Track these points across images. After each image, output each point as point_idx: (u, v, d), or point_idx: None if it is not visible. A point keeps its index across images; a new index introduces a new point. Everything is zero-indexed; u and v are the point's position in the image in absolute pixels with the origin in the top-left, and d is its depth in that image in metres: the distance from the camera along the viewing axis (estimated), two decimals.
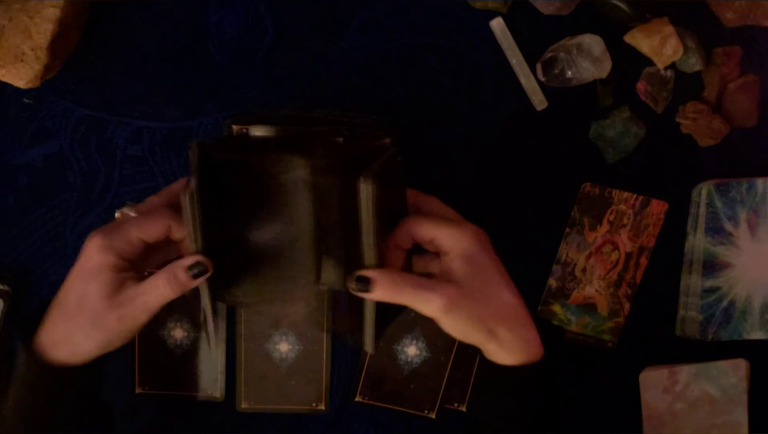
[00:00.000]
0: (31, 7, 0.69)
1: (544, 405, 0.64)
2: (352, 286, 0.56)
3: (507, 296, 0.61)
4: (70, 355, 0.58)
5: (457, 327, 0.59)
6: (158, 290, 0.57)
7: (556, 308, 0.78)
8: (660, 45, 0.73)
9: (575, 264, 0.77)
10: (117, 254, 0.57)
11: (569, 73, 0.74)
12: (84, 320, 0.57)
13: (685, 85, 0.76)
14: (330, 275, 0.60)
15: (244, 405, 0.77)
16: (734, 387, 0.76)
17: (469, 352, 0.78)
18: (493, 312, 0.60)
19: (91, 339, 0.58)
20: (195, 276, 0.56)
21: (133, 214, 0.62)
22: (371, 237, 0.56)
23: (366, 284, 0.56)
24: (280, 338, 0.77)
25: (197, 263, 0.56)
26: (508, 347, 0.61)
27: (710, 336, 0.76)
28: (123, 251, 0.58)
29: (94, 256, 0.57)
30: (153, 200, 0.65)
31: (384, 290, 0.56)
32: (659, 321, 0.78)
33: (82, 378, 0.59)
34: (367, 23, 0.76)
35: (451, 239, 0.61)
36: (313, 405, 0.78)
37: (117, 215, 0.64)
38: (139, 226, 0.59)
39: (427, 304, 0.57)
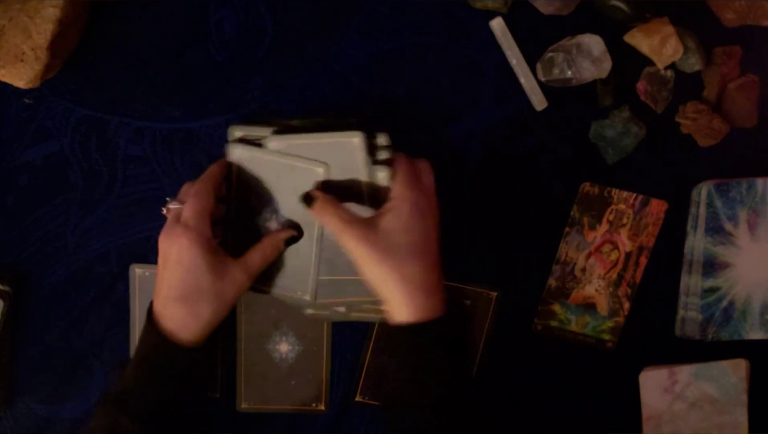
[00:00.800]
0: (31, 7, 0.69)
1: (447, 366, 0.65)
2: (300, 199, 0.68)
3: (413, 260, 0.65)
4: (197, 332, 0.65)
5: (359, 262, 0.66)
6: (264, 256, 0.69)
7: (556, 307, 0.78)
8: (660, 45, 0.73)
9: (575, 264, 0.77)
10: (203, 238, 0.66)
11: (569, 73, 0.74)
12: (207, 299, 0.66)
13: (685, 85, 0.76)
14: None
15: (244, 405, 0.77)
16: (734, 387, 0.76)
17: (469, 351, 0.78)
18: (394, 264, 0.65)
19: (214, 311, 0.66)
20: (288, 244, 0.70)
21: (177, 205, 0.69)
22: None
23: (309, 200, 0.68)
24: (280, 338, 0.77)
25: (294, 236, 0.71)
26: (396, 302, 0.65)
27: (710, 336, 0.76)
28: (205, 232, 0.66)
29: (190, 247, 0.65)
30: (188, 188, 0.70)
31: (317, 209, 0.67)
32: (659, 321, 0.78)
33: (202, 357, 0.67)
34: (367, 23, 0.76)
35: (396, 191, 0.67)
36: (313, 405, 0.78)
37: (165, 211, 0.69)
38: (204, 207, 0.67)
39: (341, 239, 0.66)
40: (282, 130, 0.70)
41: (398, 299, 0.65)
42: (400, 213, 0.66)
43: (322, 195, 0.68)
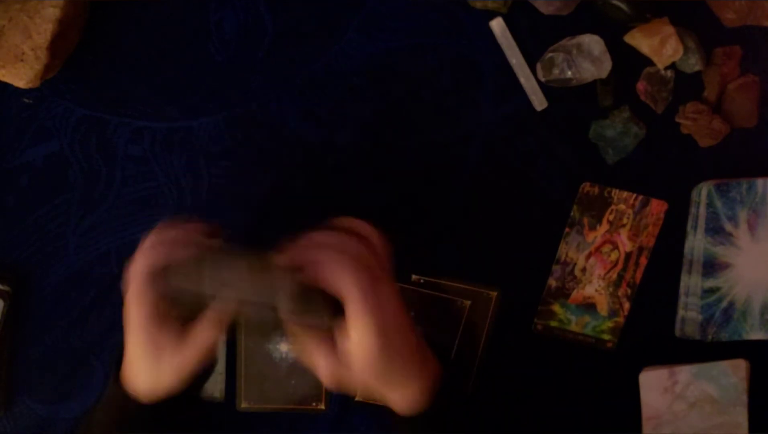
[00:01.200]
0: (31, 7, 0.69)
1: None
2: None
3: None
4: (147, 389, 0.62)
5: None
6: (206, 334, 0.61)
7: (556, 308, 0.78)
8: (660, 45, 0.73)
9: (575, 264, 0.77)
10: (149, 304, 0.60)
11: (569, 73, 0.74)
12: (145, 363, 0.61)
13: (685, 85, 0.76)
14: None
15: (244, 405, 0.77)
16: (734, 387, 0.76)
17: (469, 351, 0.78)
18: (382, 383, 0.62)
19: (146, 380, 0.62)
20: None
21: None
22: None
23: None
24: (281, 338, 0.77)
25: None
26: (395, 402, 0.63)
27: (710, 337, 0.76)
28: (148, 294, 0.60)
29: (129, 308, 0.61)
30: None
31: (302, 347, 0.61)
32: (659, 321, 0.78)
33: (158, 414, 0.63)
34: (367, 23, 0.76)
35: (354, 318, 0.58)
36: (313, 404, 0.78)
37: None
38: (145, 265, 0.61)
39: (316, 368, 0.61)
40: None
41: (394, 401, 0.63)
42: (367, 342, 0.58)
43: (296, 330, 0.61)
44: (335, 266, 0.58)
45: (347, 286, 0.57)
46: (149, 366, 0.61)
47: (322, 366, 0.61)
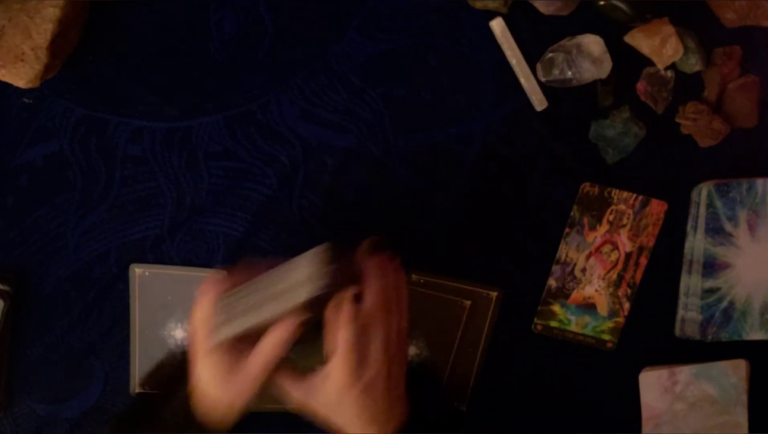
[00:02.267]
0: (31, 7, 0.69)
1: None
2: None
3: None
4: (220, 415, 0.65)
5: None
6: (265, 356, 0.63)
7: (556, 308, 0.78)
8: (660, 45, 0.73)
9: (575, 264, 0.77)
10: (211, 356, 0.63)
11: (569, 74, 0.74)
12: (215, 386, 0.64)
13: (685, 86, 0.76)
14: None
15: None
16: (734, 387, 0.76)
17: (469, 351, 0.78)
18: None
19: (227, 415, 0.66)
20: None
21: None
22: None
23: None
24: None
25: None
26: None
27: (710, 337, 0.76)
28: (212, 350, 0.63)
29: (201, 336, 0.63)
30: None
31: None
32: (659, 321, 0.78)
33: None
34: (367, 23, 0.76)
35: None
36: None
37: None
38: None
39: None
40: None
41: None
42: (337, 381, 0.61)
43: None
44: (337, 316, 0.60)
45: (337, 339, 0.60)
46: (219, 389, 0.63)
47: (290, 386, 0.63)
